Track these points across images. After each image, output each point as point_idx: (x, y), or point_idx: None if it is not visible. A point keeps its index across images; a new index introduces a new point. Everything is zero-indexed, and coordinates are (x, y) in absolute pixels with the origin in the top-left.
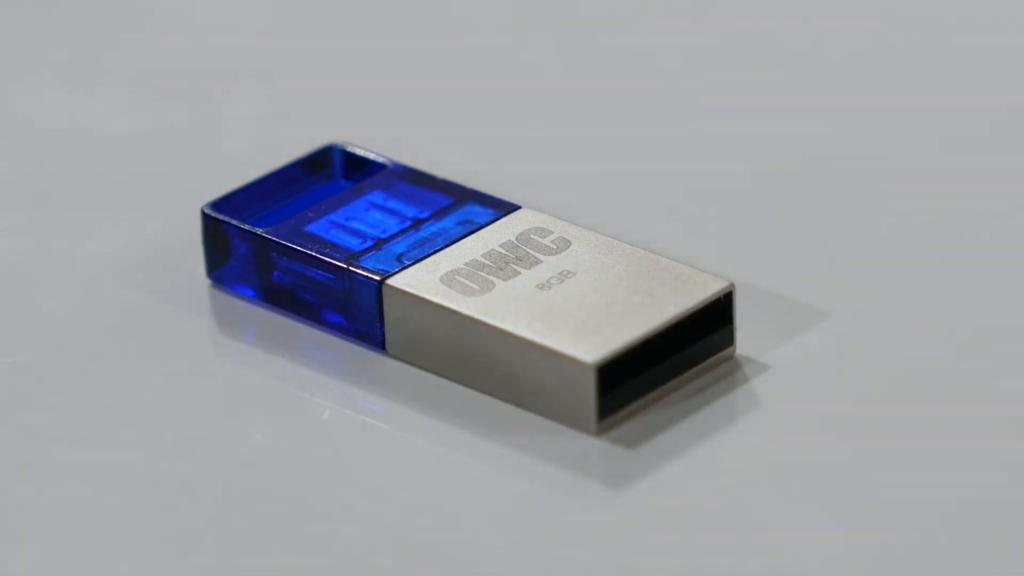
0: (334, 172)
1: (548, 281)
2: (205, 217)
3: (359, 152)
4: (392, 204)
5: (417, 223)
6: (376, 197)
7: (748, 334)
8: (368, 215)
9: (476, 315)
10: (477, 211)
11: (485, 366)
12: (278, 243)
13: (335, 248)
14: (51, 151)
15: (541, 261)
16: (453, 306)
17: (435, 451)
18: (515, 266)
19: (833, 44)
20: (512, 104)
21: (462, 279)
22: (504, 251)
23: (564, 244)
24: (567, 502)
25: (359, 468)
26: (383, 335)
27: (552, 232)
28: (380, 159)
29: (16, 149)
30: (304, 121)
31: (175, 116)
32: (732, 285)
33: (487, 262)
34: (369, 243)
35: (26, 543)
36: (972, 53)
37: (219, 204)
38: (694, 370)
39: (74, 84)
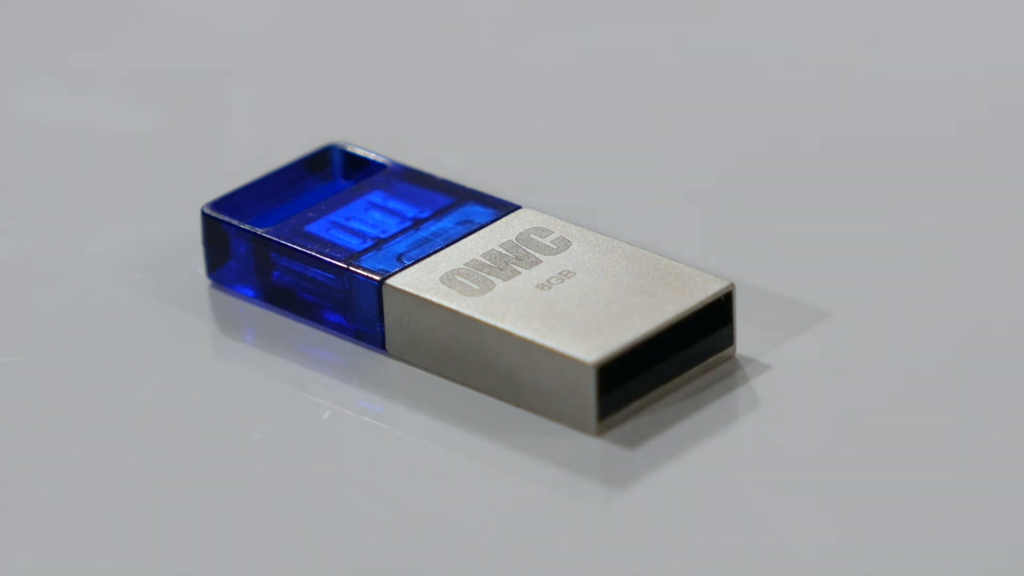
0: (334, 172)
1: (548, 281)
2: (205, 217)
3: (359, 152)
4: (392, 204)
5: (417, 223)
6: (376, 197)
7: (748, 334)
8: (368, 215)
9: (476, 315)
10: (477, 211)
11: (485, 366)
12: (278, 243)
13: (335, 248)
14: (51, 151)
15: (541, 261)
16: (453, 306)
17: (435, 451)
18: (515, 266)
19: (832, 43)
20: (512, 104)
21: (462, 279)
22: (504, 251)
23: (564, 244)
24: (567, 502)
25: (359, 468)
26: (383, 335)
27: (552, 232)
28: (380, 159)
29: (16, 149)
30: (304, 121)
31: (175, 116)
32: (732, 285)
33: (487, 262)
34: (369, 243)
35: (26, 543)
36: (972, 52)
37: (219, 204)
38: (694, 370)
39: (74, 84)
